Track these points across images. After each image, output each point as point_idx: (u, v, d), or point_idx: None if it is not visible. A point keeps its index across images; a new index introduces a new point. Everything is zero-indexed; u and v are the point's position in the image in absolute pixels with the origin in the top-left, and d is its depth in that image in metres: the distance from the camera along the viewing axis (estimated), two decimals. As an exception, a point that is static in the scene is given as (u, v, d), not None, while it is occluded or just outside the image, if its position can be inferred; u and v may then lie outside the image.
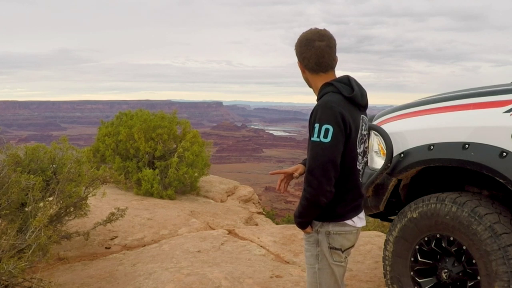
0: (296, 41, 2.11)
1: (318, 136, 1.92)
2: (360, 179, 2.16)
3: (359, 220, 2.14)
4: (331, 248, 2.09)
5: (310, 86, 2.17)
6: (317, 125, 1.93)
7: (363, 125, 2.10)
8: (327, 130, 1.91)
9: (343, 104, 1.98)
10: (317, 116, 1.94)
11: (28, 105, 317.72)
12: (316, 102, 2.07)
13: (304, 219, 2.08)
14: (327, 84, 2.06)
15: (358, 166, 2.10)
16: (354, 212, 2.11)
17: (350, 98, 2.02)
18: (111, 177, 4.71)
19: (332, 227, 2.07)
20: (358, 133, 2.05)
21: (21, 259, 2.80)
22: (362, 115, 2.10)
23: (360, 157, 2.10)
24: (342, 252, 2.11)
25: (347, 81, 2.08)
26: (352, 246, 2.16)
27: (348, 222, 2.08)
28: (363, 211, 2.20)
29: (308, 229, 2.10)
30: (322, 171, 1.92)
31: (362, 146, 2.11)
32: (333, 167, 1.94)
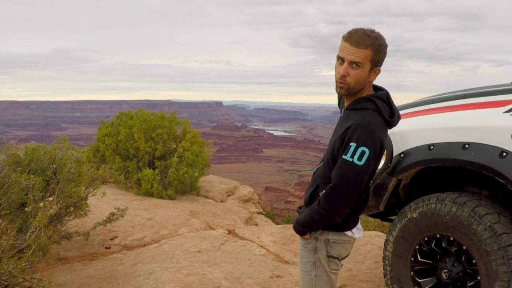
0: (380, 43, 1.90)
1: (352, 157, 1.83)
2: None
3: (357, 231, 2.11)
4: (328, 256, 2.06)
5: (357, 91, 1.96)
6: (353, 145, 1.83)
7: None
8: (363, 153, 1.83)
9: (382, 128, 1.91)
10: (355, 135, 1.84)
11: (28, 105, 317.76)
12: (347, 109, 1.99)
13: (307, 229, 2.04)
14: (368, 100, 1.95)
15: (370, 183, 2.08)
16: (353, 224, 2.08)
17: (389, 122, 1.95)
18: (111, 177, 4.71)
19: (331, 236, 2.04)
20: None
21: (21, 259, 2.80)
22: None
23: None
24: (339, 260, 2.09)
25: (387, 99, 1.98)
26: (348, 255, 2.15)
27: (348, 233, 2.05)
28: (359, 221, 2.17)
29: (307, 235, 2.06)
30: (345, 192, 1.87)
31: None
32: (358, 190, 1.89)
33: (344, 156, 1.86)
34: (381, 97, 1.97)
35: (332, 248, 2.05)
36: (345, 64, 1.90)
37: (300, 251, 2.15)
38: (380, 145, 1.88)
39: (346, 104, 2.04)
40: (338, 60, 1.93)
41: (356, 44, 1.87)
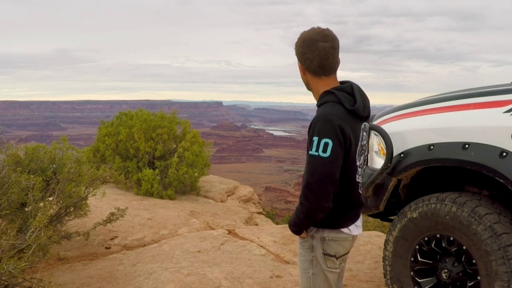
0: (296, 40, 2.00)
1: (317, 150, 1.85)
2: (360, 190, 2.11)
3: (356, 228, 2.09)
4: (325, 254, 2.05)
5: (309, 89, 2.08)
6: (315, 139, 1.86)
7: (363, 135, 2.05)
8: (326, 144, 1.84)
9: (343, 117, 1.91)
10: (315, 129, 1.87)
11: (28, 105, 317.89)
12: (316, 106, 2.01)
13: (299, 229, 2.05)
14: (328, 92, 1.97)
15: (357, 179, 2.06)
16: (351, 221, 2.07)
17: (351, 111, 1.94)
18: (111, 177, 4.71)
19: (327, 233, 2.03)
20: (358, 145, 2.00)
21: (21, 259, 2.80)
22: (364, 123, 2.04)
23: (360, 170, 2.05)
24: (337, 258, 2.07)
25: (350, 89, 1.99)
26: (347, 253, 2.13)
27: (344, 230, 2.04)
28: (360, 218, 2.16)
29: (303, 234, 2.06)
30: (320, 186, 1.87)
31: (361, 157, 2.06)
32: (332, 182, 1.88)
33: (310, 152, 1.88)
34: (344, 89, 1.99)
35: (328, 246, 2.04)
36: None
37: (299, 249, 2.16)
38: (342, 133, 1.88)
39: None
40: None
41: None
